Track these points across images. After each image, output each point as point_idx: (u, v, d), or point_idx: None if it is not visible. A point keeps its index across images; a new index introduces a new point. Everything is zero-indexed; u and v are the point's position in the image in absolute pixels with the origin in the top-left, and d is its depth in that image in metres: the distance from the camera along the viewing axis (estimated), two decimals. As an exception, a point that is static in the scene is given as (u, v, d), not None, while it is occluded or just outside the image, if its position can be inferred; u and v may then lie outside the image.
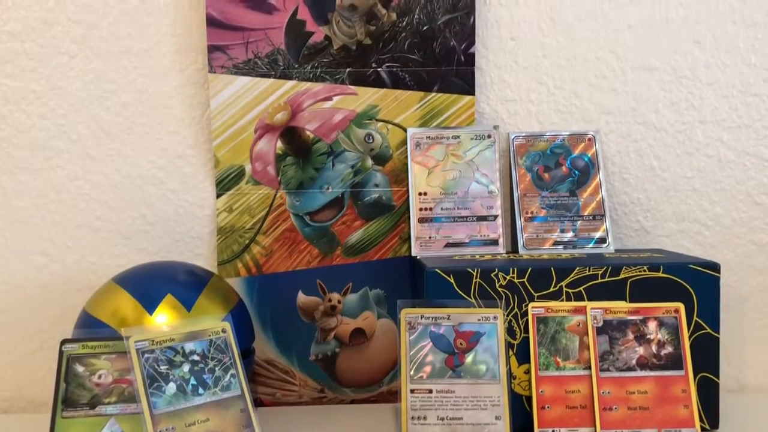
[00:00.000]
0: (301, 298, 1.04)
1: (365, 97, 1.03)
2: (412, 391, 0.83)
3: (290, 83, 1.02)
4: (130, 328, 0.81)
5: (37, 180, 1.05)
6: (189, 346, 0.82)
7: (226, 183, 1.04)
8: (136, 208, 1.06)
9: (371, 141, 1.04)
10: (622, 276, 0.89)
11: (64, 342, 0.79)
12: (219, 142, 1.03)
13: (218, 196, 1.04)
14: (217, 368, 0.82)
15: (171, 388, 0.78)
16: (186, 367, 0.80)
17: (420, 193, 1.01)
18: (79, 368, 0.78)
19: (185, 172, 1.06)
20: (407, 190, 1.02)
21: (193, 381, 0.80)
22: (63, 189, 1.05)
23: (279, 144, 1.03)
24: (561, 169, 1.03)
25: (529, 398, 0.87)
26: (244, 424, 0.81)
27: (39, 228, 1.05)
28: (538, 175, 1.03)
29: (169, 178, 1.06)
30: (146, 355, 0.79)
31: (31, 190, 1.05)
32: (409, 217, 1.01)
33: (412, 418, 0.83)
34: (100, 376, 0.79)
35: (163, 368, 0.79)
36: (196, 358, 0.81)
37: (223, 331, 0.84)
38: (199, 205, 1.06)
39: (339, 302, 1.04)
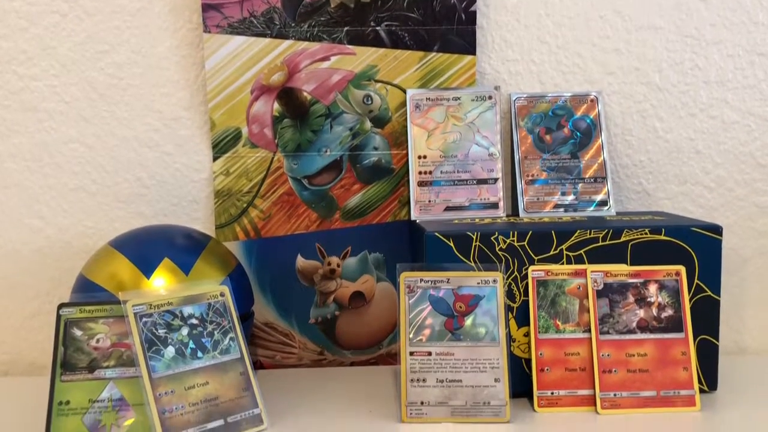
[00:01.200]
0: (300, 261, 1.04)
1: (363, 57, 1.01)
2: (411, 353, 0.83)
3: (287, 43, 1.00)
4: (128, 292, 0.81)
5: (31, 143, 1.04)
6: (187, 310, 0.81)
7: (222, 146, 1.02)
8: (131, 171, 1.05)
9: (370, 102, 1.02)
10: (623, 239, 0.88)
11: (61, 306, 0.79)
12: (214, 103, 1.01)
13: (215, 159, 1.03)
14: (216, 332, 0.82)
15: (170, 351, 0.78)
16: (185, 331, 0.80)
17: (419, 156, 1.00)
18: (77, 332, 0.78)
19: (181, 134, 1.04)
20: (406, 153, 1.01)
21: (191, 344, 0.80)
22: (57, 152, 1.04)
23: (276, 106, 1.02)
24: (563, 131, 1.02)
25: (528, 361, 0.87)
26: (244, 387, 0.81)
27: (34, 191, 1.04)
28: (540, 137, 1.01)
29: (165, 141, 1.04)
30: (144, 319, 0.78)
31: (25, 153, 1.04)
32: (408, 181, 1.00)
33: (412, 380, 0.83)
34: (98, 340, 0.78)
35: (161, 332, 0.79)
36: (194, 321, 0.81)
37: (222, 294, 0.84)
38: (195, 168, 1.04)
39: (338, 266, 1.04)
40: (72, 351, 0.78)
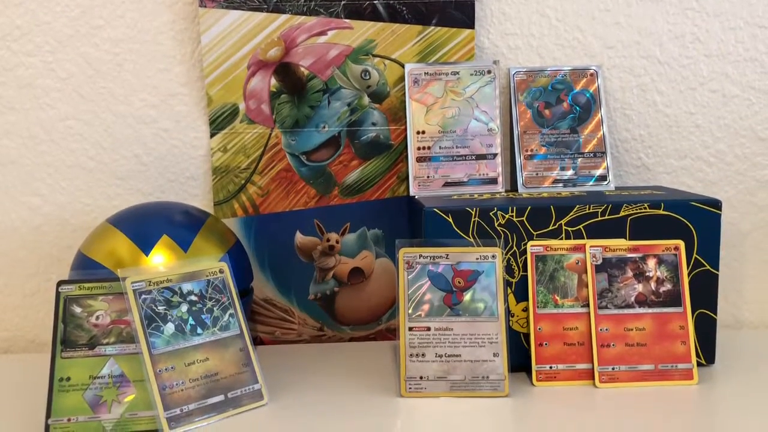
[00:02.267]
0: (299, 238, 1.04)
1: (361, 31, 1.00)
2: (410, 329, 0.83)
3: (283, 17, 0.99)
4: (127, 269, 0.81)
5: (27, 120, 1.03)
6: (186, 287, 0.81)
7: (219, 122, 1.02)
8: (129, 147, 1.04)
9: (368, 77, 1.01)
10: (622, 214, 0.88)
11: (60, 283, 0.79)
12: (211, 79, 1.00)
13: (212, 135, 1.02)
14: (215, 308, 0.82)
15: (169, 328, 0.78)
16: (184, 308, 0.80)
17: (418, 132, 0.99)
18: (77, 309, 0.78)
19: (178, 110, 1.03)
20: (405, 129, 1.00)
21: (191, 321, 0.80)
22: (53, 129, 1.03)
23: (273, 81, 1.01)
24: (562, 106, 1.01)
25: (527, 335, 0.88)
26: (244, 363, 0.81)
27: (31, 169, 1.04)
28: (539, 111, 1.01)
29: (162, 117, 1.03)
30: (143, 296, 0.79)
31: (21, 130, 1.03)
32: (407, 156, 1.00)
33: (411, 355, 0.83)
34: (97, 317, 0.78)
35: (160, 309, 0.79)
36: (194, 298, 0.81)
37: (221, 271, 0.84)
38: (192, 145, 1.04)
39: (337, 242, 1.04)
40: (72, 328, 0.78)
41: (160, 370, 0.76)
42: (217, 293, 0.83)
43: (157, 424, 0.75)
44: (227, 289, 0.83)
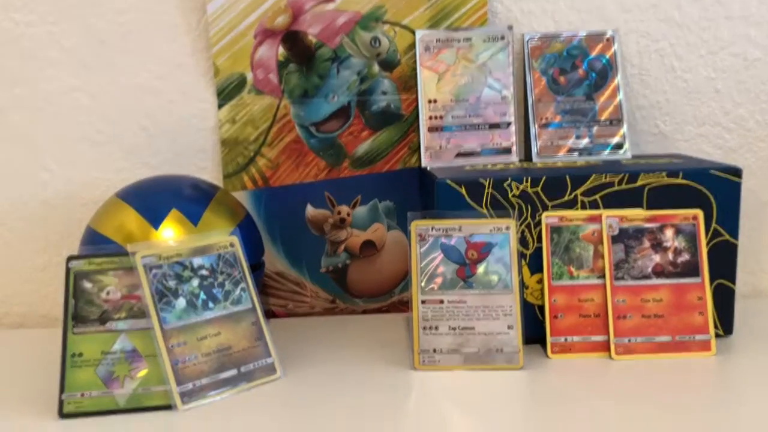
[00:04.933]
0: (310, 211, 1.02)
1: (370, -3, 0.97)
2: (423, 302, 0.83)
3: (290, -16, 0.97)
4: (137, 243, 0.80)
5: (33, 92, 1.02)
6: (197, 261, 0.81)
7: (227, 92, 1.00)
8: (136, 120, 1.03)
9: (377, 45, 0.99)
10: (639, 183, 0.86)
11: (70, 259, 0.78)
12: (218, 49, 0.98)
13: (220, 106, 1.00)
14: (226, 282, 0.81)
15: (180, 303, 0.78)
16: (195, 282, 0.79)
17: (429, 101, 0.97)
18: (87, 285, 0.78)
19: (184, 81, 1.01)
20: (416, 98, 0.98)
21: (202, 295, 0.79)
22: (60, 101, 1.02)
23: (280, 50, 0.98)
24: (577, 72, 0.98)
25: (541, 307, 0.86)
26: (256, 337, 0.81)
27: (39, 142, 1.03)
28: (554, 78, 0.98)
29: (169, 89, 1.02)
30: (154, 271, 0.78)
31: (27, 104, 1.02)
32: (418, 126, 0.98)
33: (424, 328, 0.82)
34: (108, 293, 0.78)
35: (171, 283, 0.78)
36: (204, 272, 0.80)
37: (231, 245, 0.83)
38: (200, 117, 1.02)
39: (348, 215, 1.02)
40: (83, 303, 0.77)
41: (172, 345, 0.76)
42: (228, 267, 0.82)
43: (170, 398, 0.75)
44: (238, 263, 0.83)
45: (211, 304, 0.80)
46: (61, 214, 1.04)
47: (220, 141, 1.01)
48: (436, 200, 0.85)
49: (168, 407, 0.75)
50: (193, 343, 0.77)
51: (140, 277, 0.77)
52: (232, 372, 0.78)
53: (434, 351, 0.82)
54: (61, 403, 0.74)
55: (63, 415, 0.74)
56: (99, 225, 0.87)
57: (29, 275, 1.06)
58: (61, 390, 0.74)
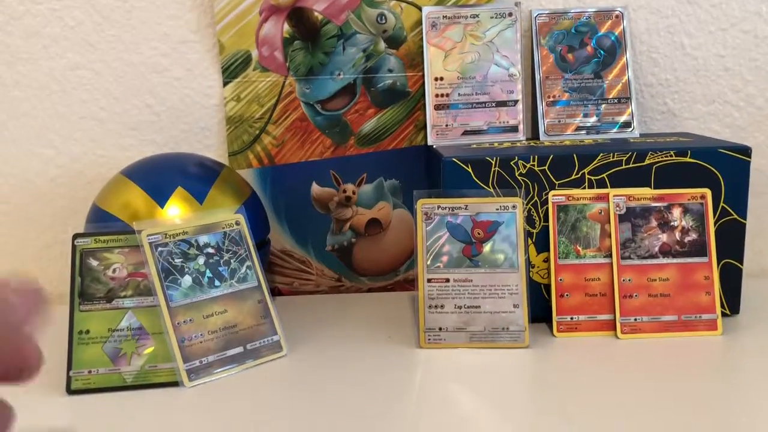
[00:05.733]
0: (316, 189, 1.02)
1: (377, -27, 0.96)
2: (429, 280, 0.82)
3: (296, -41, 0.95)
4: (142, 221, 0.80)
5: (37, 70, 1.01)
6: (203, 239, 0.80)
7: (232, 70, 0.99)
8: (141, 97, 1.02)
9: (384, 22, 0.98)
10: (647, 162, 0.85)
11: (76, 236, 0.78)
12: (222, 25, 0.97)
13: (225, 83, 1.00)
14: (232, 260, 0.81)
15: (186, 280, 0.78)
16: (201, 260, 0.79)
17: (436, 78, 0.96)
18: (93, 262, 0.78)
19: (189, 58, 1.01)
20: (423, 75, 0.97)
21: (208, 273, 0.79)
22: (64, 79, 1.01)
23: (286, 27, 0.98)
24: (586, 49, 0.97)
25: (547, 286, 0.86)
26: (262, 315, 0.81)
27: (43, 120, 1.02)
28: (562, 55, 0.97)
29: (173, 66, 1.01)
30: (160, 249, 0.78)
31: (31, 81, 1.01)
32: (424, 104, 0.97)
33: (430, 306, 0.82)
34: (114, 270, 0.78)
35: (177, 261, 0.78)
36: (210, 250, 0.80)
37: (237, 223, 0.83)
38: (205, 94, 1.02)
39: (354, 193, 1.02)
40: (89, 281, 0.77)
41: (178, 323, 0.76)
42: (233, 245, 0.82)
43: (176, 376, 0.75)
44: (244, 241, 0.82)
45: (217, 282, 0.80)
46: (67, 192, 1.04)
47: (226, 119, 1.01)
48: (443, 178, 0.85)
49: (175, 384, 0.75)
50: (200, 321, 0.77)
51: (146, 255, 0.77)
52: (239, 349, 0.79)
53: (440, 329, 0.82)
54: (68, 379, 0.75)
55: (71, 391, 0.74)
56: (104, 203, 0.86)
57: (36, 253, 1.06)
58: (69, 367, 0.75)
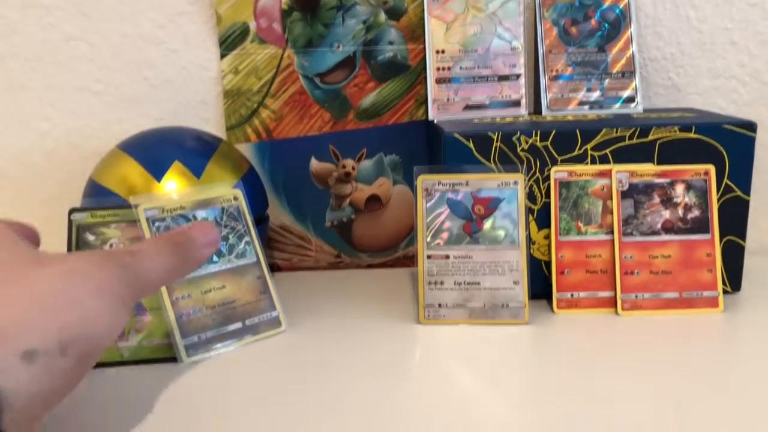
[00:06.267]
0: (315, 164, 1.01)
1: (377, -58, 0.94)
2: (428, 257, 0.82)
3: (294, -72, 0.93)
4: (139, 196, 0.79)
5: (31, 41, 0.99)
6: (201, 214, 0.80)
7: (229, 42, 0.97)
8: (137, 70, 1.01)
9: (384, -7, 0.96)
10: (651, 137, 0.84)
11: (72, 211, 0.78)
12: (220, -4, 0.96)
13: (222, 56, 0.98)
14: (230, 236, 0.80)
15: None
16: None
17: (437, 51, 0.95)
18: (90, 237, 0.77)
19: (186, 30, 0.99)
20: (424, 48, 0.96)
21: None
22: (59, 50, 1.00)
23: (285, -2, 0.96)
24: (590, 23, 0.95)
25: (548, 263, 0.86)
26: (261, 290, 0.80)
27: (38, 92, 1.01)
28: (565, 29, 0.95)
29: (170, 38, 0.99)
30: (157, 224, 0.77)
31: (26, 53, 1.00)
32: (425, 78, 0.95)
33: (429, 282, 0.82)
34: (111, 245, 0.77)
35: None
36: None
37: (235, 198, 0.82)
38: (203, 67, 1.00)
39: (353, 168, 1.01)
40: None
41: (176, 298, 0.76)
42: (232, 221, 0.81)
43: (174, 351, 0.75)
44: (242, 217, 0.82)
45: (215, 257, 0.79)
46: (63, 166, 1.03)
47: (223, 92, 0.99)
48: (443, 154, 0.83)
49: (173, 360, 0.75)
50: (198, 296, 0.77)
51: (143, 230, 0.76)
52: (237, 325, 0.78)
53: (439, 305, 0.82)
54: None
55: None
56: (101, 177, 0.86)
57: (37, 227, 1.05)
58: None
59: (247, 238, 0.81)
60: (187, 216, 0.79)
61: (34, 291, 0.45)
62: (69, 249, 0.76)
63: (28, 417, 0.44)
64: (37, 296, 0.45)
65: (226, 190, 0.82)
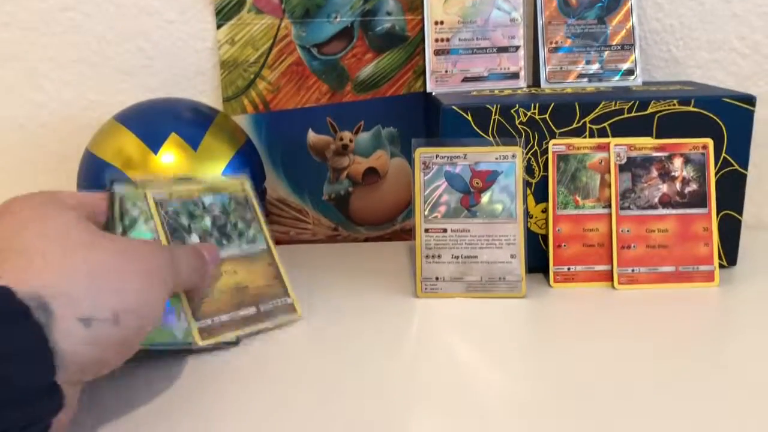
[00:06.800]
0: (312, 136, 1.01)
1: None
2: (426, 230, 0.82)
3: None
4: (145, 179, 0.75)
5: (25, 11, 0.98)
6: (208, 200, 0.77)
7: (226, 12, 0.96)
8: (133, 41, 0.99)
9: (382, -37, 0.95)
10: (649, 111, 0.84)
11: (112, 182, 0.71)
12: (216, -35, 0.94)
13: (218, 26, 0.97)
14: (239, 223, 0.78)
15: (194, 239, 0.74)
16: (207, 221, 0.75)
17: (436, 22, 0.94)
18: (134, 211, 0.71)
19: (182, 0, 0.98)
20: (422, 19, 0.95)
21: (216, 234, 0.75)
22: (53, 20, 0.98)
23: (281, -33, 0.94)
24: (590, -6, 0.94)
25: (545, 237, 0.86)
26: (274, 275, 0.78)
27: (33, 63, 1.00)
28: (565, 0, 0.94)
29: (165, 8, 0.98)
30: (166, 207, 0.73)
31: (20, 22, 0.98)
32: (424, 49, 0.95)
33: (427, 256, 0.82)
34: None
35: (184, 220, 0.74)
36: (216, 212, 0.77)
37: (243, 188, 0.80)
38: (199, 37, 0.99)
39: (351, 141, 1.01)
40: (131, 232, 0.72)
41: None
42: (240, 208, 0.78)
43: (186, 336, 0.69)
44: (250, 205, 0.80)
45: (224, 242, 0.76)
46: (60, 138, 1.03)
47: (220, 63, 0.99)
48: (441, 127, 0.83)
49: (188, 344, 0.70)
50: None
51: (151, 212, 0.72)
52: (251, 310, 0.75)
53: (437, 279, 0.82)
54: None
55: None
56: (97, 149, 0.85)
57: (29, 199, 1.05)
58: None
59: (255, 225, 0.79)
60: (195, 201, 0.76)
61: (93, 264, 0.51)
62: (112, 219, 0.70)
63: (77, 380, 0.49)
64: (96, 269, 0.50)
65: (232, 178, 0.80)
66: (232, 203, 0.78)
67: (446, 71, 0.94)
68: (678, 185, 0.84)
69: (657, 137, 0.84)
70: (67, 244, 0.51)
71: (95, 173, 0.83)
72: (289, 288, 0.79)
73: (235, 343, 0.73)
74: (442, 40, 0.94)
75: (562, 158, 0.84)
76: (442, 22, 0.94)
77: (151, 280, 0.55)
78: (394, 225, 1.05)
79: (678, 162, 0.84)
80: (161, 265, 0.58)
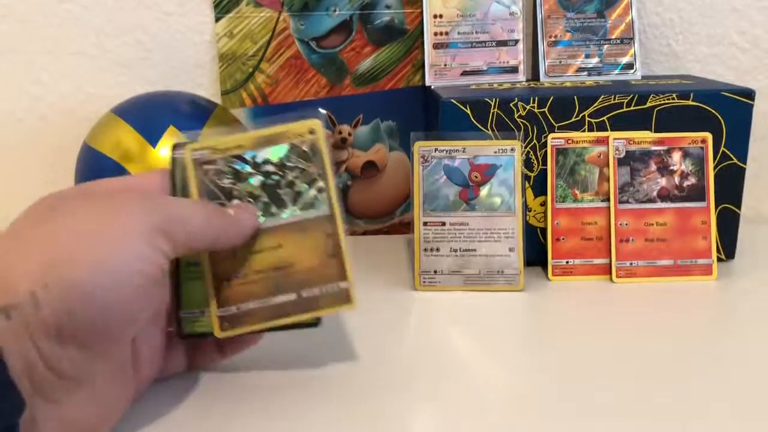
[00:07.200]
0: (310, 129, 1.00)
1: None
2: (425, 223, 0.82)
3: None
4: (209, 134, 0.65)
5: (23, 3, 0.98)
6: (262, 155, 0.60)
7: (224, 5, 0.96)
8: (131, 33, 0.99)
9: (382, -44, 0.94)
10: (648, 105, 0.83)
11: (175, 146, 0.62)
12: (214, -42, 0.94)
13: (217, 19, 0.97)
14: (297, 181, 0.60)
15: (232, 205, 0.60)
16: (255, 181, 0.60)
17: (435, 16, 0.94)
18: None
19: (180, -7, 0.98)
20: (421, 12, 0.94)
21: (264, 198, 0.60)
22: (51, 13, 0.98)
23: (280, -40, 0.94)
24: (590, -13, 0.94)
25: (544, 230, 0.86)
26: (330, 253, 0.60)
27: (31, 56, 1.00)
28: (565, -7, 0.94)
29: (164, 0, 0.98)
30: (205, 167, 0.60)
31: (18, 15, 0.98)
32: (423, 43, 0.94)
33: (425, 249, 0.82)
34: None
35: (226, 182, 0.60)
36: (270, 168, 0.60)
37: (311, 132, 0.62)
38: (197, 30, 0.99)
39: (349, 134, 1.00)
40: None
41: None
42: (302, 161, 0.61)
43: (206, 325, 0.60)
44: (318, 156, 0.61)
45: (273, 209, 0.60)
46: (58, 131, 1.02)
47: (218, 56, 0.98)
48: (440, 120, 0.83)
49: (210, 334, 0.60)
50: (245, 257, 0.59)
51: (188, 174, 0.59)
52: (290, 296, 0.59)
53: (435, 272, 0.82)
54: (179, 321, 0.60)
55: (182, 336, 0.60)
56: (95, 142, 0.85)
57: (33, 193, 1.05)
58: (178, 306, 0.60)
59: (320, 184, 0.61)
60: (244, 157, 0.60)
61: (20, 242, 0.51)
62: (173, 190, 0.60)
63: (60, 375, 0.47)
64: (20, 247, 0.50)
65: (298, 124, 0.62)
66: (292, 156, 0.61)
67: (445, 65, 0.94)
68: (677, 179, 0.84)
69: (656, 131, 0.84)
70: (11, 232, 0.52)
71: (93, 166, 0.83)
72: (349, 270, 0.60)
73: (314, 324, 0.61)
74: (441, 33, 0.94)
75: (561, 152, 0.84)
76: (441, 16, 0.94)
77: (111, 236, 0.49)
78: (392, 218, 1.05)
79: (677, 156, 0.84)
80: (140, 219, 0.50)
